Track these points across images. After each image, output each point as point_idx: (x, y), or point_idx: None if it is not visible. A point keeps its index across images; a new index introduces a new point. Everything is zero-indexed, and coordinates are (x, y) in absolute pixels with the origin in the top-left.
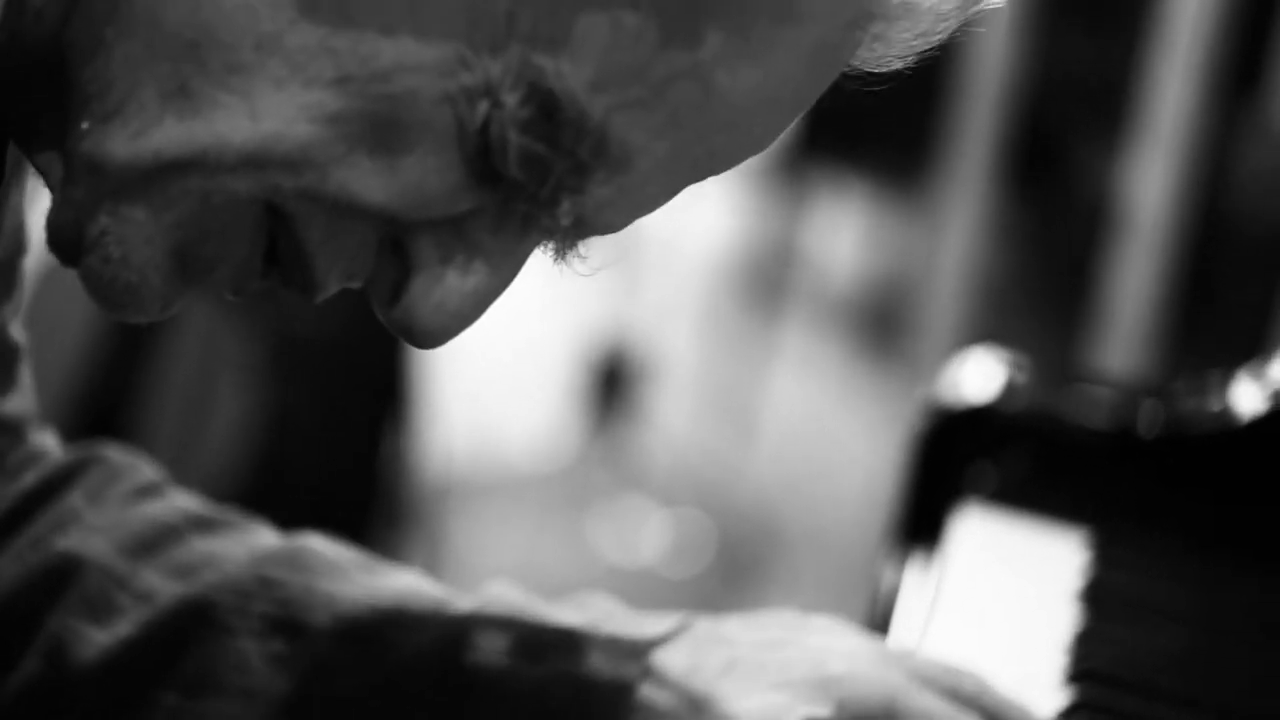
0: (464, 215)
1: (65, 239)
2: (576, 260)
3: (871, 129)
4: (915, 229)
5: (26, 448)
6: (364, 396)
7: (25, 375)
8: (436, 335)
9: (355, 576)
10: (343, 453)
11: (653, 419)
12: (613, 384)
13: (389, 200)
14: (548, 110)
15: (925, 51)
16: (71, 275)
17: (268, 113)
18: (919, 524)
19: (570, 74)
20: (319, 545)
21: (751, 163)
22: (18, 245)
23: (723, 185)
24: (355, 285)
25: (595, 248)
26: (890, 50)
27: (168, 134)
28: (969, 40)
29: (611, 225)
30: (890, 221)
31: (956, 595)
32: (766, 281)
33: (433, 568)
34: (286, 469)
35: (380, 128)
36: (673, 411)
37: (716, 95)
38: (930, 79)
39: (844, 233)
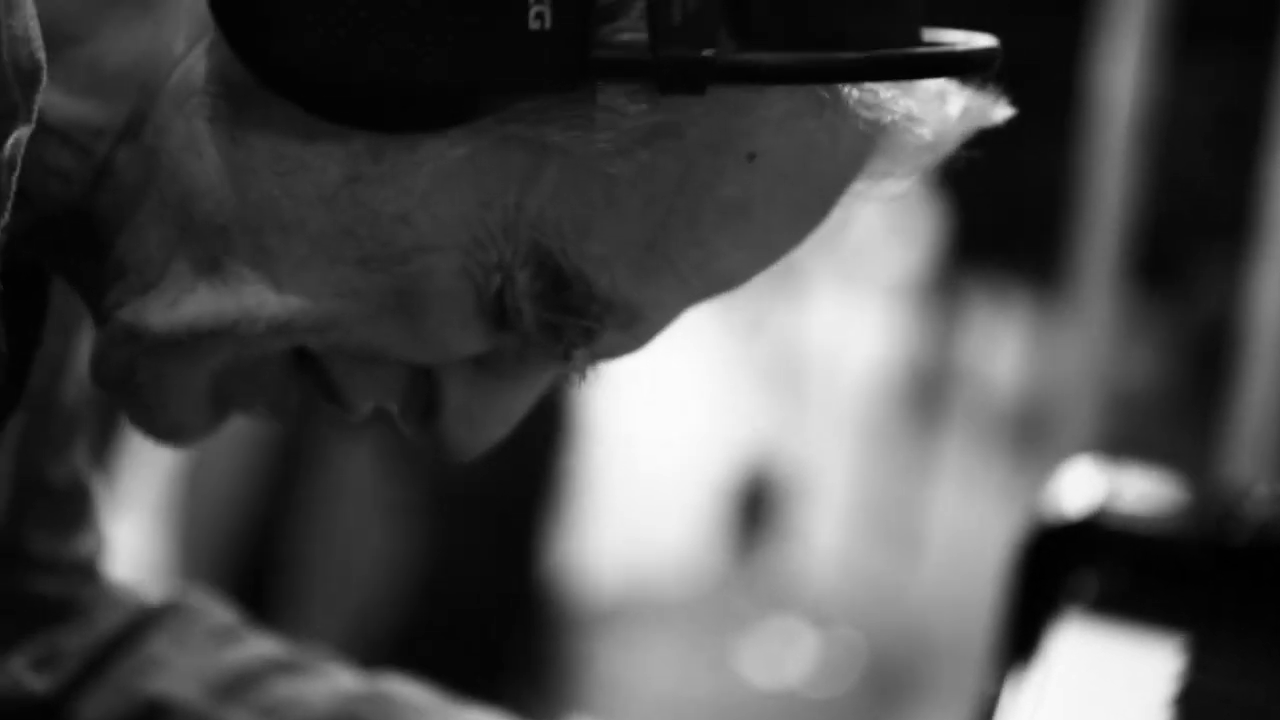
0: (487, 355)
1: (109, 385)
2: (594, 374)
3: (1016, 243)
4: (1053, 339)
5: (99, 588)
6: (514, 523)
7: (98, 517)
8: (469, 452)
9: (437, 718)
10: (493, 578)
11: (802, 538)
12: (760, 504)
13: (412, 353)
14: (558, 283)
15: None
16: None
17: (294, 289)
18: (1020, 636)
19: (576, 253)
20: (400, 688)
21: (902, 279)
22: (85, 389)
23: (873, 301)
24: (390, 408)
25: (747, 369)
26: (889, 182)
27: (201, 305)
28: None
29: (627, 356)
30: (1039, 333)
31: (1056, 706)
32: (924, 395)
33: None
34: (439, 595)
35: (401, 297)
36: (824, 530)
37: (717, 256)
38: (1059, 194)
39: (1001, 344)
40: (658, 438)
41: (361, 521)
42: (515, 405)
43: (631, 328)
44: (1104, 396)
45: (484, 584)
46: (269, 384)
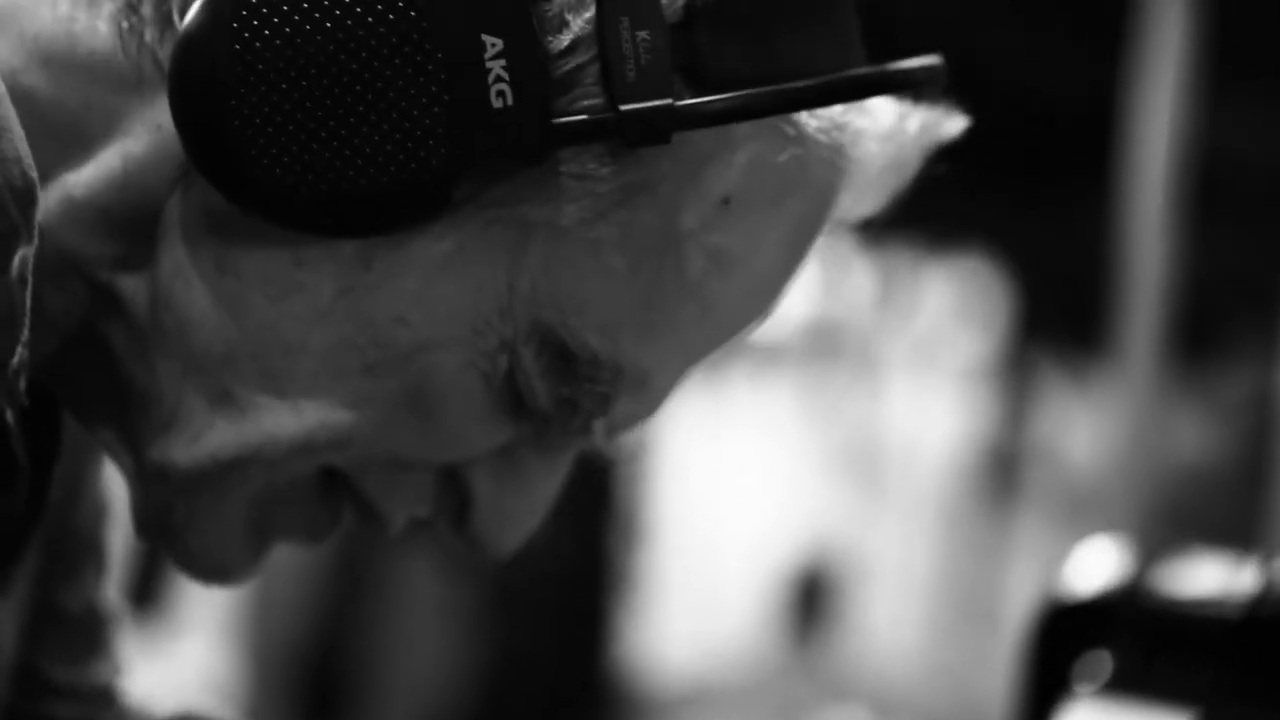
0: (509, 442)
1: (150, 529)
2: (613, 444)
3: (1085, 318)
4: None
5: (118, 712)
6: (578, 617)
7: (115, 643)
8: (506, 548)
9: None
10: (558, 672)
11: (864, 625)
12: (820, 592)
13: (434, 454)
14: (563, 355)
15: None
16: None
17: (308, 407)
18: (1033, 717)
19: (576, 322)
20: None
21: (974, 362)
22: (98, 514)
23: (945, 385)
24: (422, 515)
25: (818, 455)
26: (860, 208)
27: (222, 437)
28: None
29: (643, 421)
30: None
31: None
32: (998, 476)
33: None
34: (505, 693)
35: (413, 399)
36: (890, 616)
37: (714, 305)
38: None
39: (1075, 421)
40: (725, 526)
41: (427, 625)
42: (544, 493)
43: (643, 391)
44: (1151, 469)
45: (549, 678)
46: (302, 508)
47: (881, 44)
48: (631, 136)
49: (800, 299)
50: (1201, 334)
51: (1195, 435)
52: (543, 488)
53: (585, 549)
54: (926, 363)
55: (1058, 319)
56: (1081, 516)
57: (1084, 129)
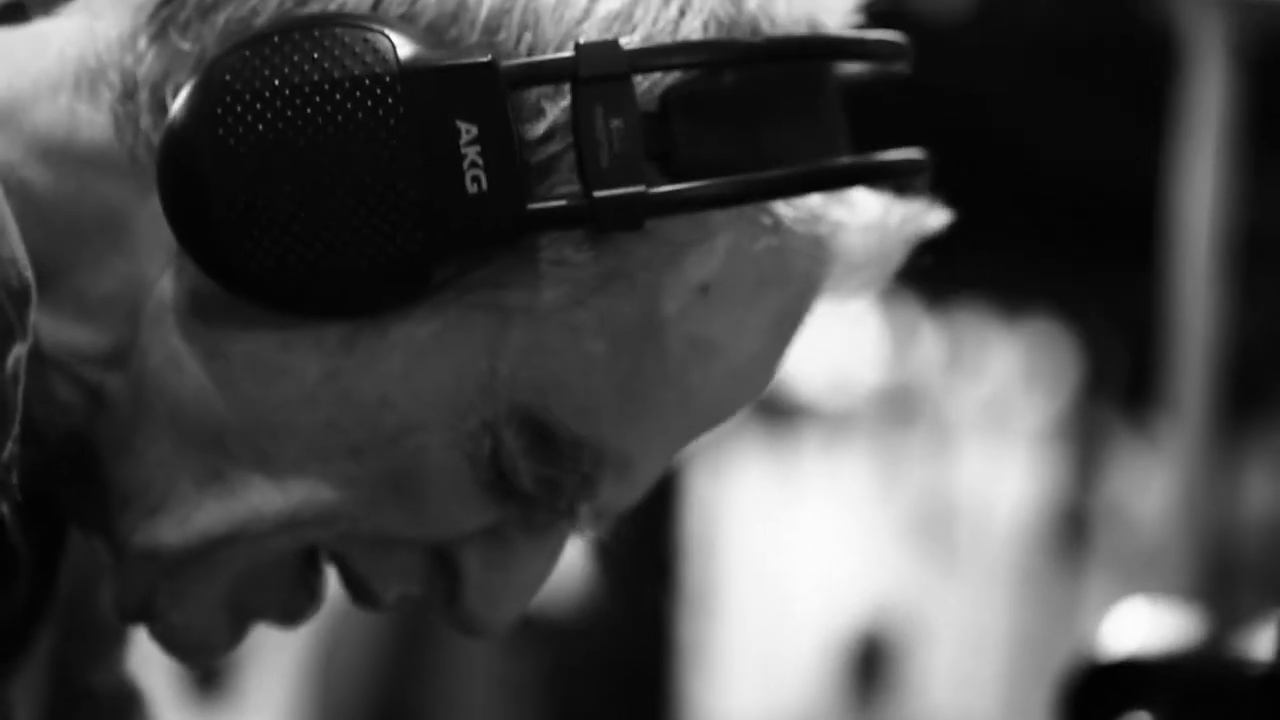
0: (495, 523)
1: (132, 612)
2: (603, 529)
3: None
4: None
5: None
6: (637, 688)
7: (147, 718)
8: (495, 628)
9: None
10: None
11: (931, 688)
12: (880, 658)
13: (420, 532)
14: (544, 438)
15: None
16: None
17: (295, 487)
18: None
19: (557, 406)
20: None
21: (1038, 424)
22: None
23: (1015, 447)
24: (413, 593)
25: (886, 520)
26: (848, 290)
27: (210, 515)
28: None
29: (630, 503)
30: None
31: None
32: (1069, 537)
33: None
34: None
35: (398, 480)
36: (955, 679)
37: (694, 392)
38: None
39: (1147, 480)
40: (792, 592)
41: (488, 700)
42: (533, 575)
43: (626, 475)
44: (1208, 527)
45: None
46: (282, 588)
47: (929, 122)
48: (605, 222)
49: (870, 365)
50: (1258, 393)
51: (1261, 492)
52: (532, 568)
53: (645, 618)
54: (996, 426)
55: (1123, 380)
56: (1151, 575)
57: (1136, 194)
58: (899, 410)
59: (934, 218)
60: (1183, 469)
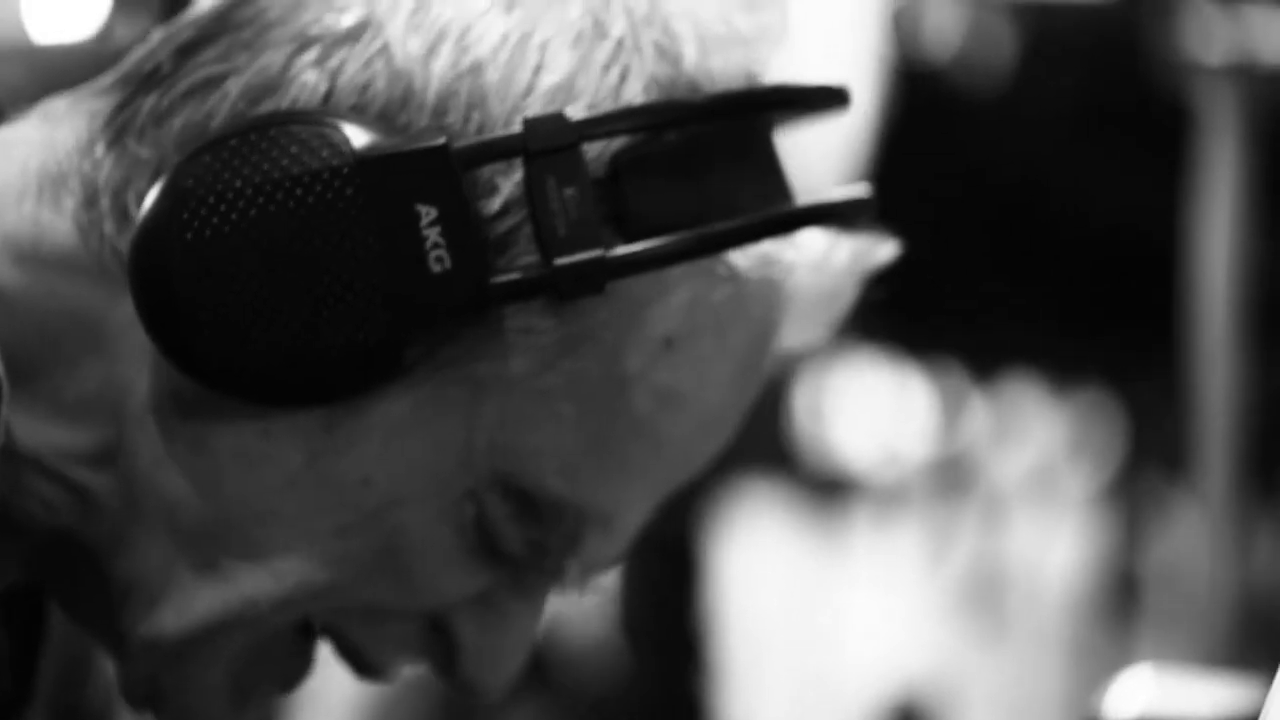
0: (486, 588)
1: (138, 700)
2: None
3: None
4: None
5: None
6: None
7: None
8: (493, 690)
9: None
10: None
11: None
12: None
13: (413, 603)
14: (526, 500)
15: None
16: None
17: (287, 569)
18: None
19: (535, 470)
20: None
21: (1085, 491)
22: (110, 691)
23: (1059, 516)
24: (411, 663)
25: (932, 587)
26: (805, 336)
27: (207, 604)
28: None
29: (615, 557)
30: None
31: None
32: (1118, 604)
33: None
34: None
35: (386, 555)
36: None
37: (666, 442)
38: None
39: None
40: (836, 661)
41: None
42: (526, 634)
43: (609, 530)
44: (1240, 591)
45: None
46: (279, 660)
47: (970, 196)
48: (566, 289)
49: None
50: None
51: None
52: (526, 627)
53: (679, 693)
54: (1044, 494)
55: (1168, 443)
56: (1198, 640)
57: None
58: (948, 481)
59: (882, 252)
60: (1211, 531)
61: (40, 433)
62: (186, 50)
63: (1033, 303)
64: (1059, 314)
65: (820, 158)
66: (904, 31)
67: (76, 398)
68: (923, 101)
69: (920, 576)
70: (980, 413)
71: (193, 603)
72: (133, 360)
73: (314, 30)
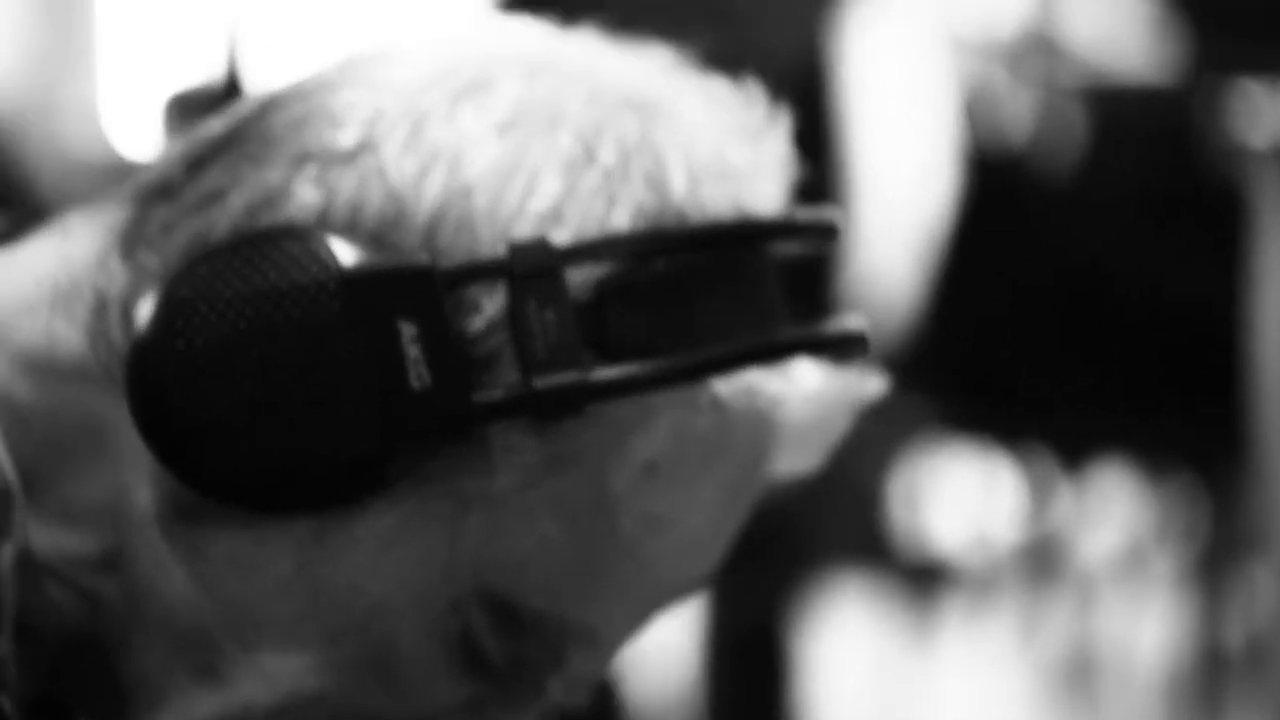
0: (474, 699)
1: None
2: (582, 694)
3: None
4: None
5: None
6: None
7: None
8: None
9: None
10: None
11: None
12: None
13: (403, 710)
14: (509, 615)
15: None
16: None
17: (280, 676)
18: None
19: (519, 586)
20: None
21: (1173, 570)
22: None
23: (1148, 597)
24: None
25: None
26: (794, 464)
27: (207, 708)
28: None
29: (600, 673)
30: None
31: None
32: (1208, 682)
33: None
34: None
35: (376, 662)
36: None
37: (650, 564)
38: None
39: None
40: None
41: None
42: None
43: (593, 646)
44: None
45: None
46: None
47: (1033, 269)
48: (547, 410)
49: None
50: None
51: None
52: None
53: None
54: (1132, 576)
55: (1250, 522)
56: None
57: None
58: (1038, 566)
59: (872, 385)
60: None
61: (52, 540)
62: (196, 164)
63: (1111, 387)
64: (1138, 397)
65: (898, 246)
66: (978, 119)
67: (84, 504)
68: (997, 188)
69: (1012, 661)
70: (1067, 497)
71: (193, 708)
72: (134, 466)
73: (314, 148)
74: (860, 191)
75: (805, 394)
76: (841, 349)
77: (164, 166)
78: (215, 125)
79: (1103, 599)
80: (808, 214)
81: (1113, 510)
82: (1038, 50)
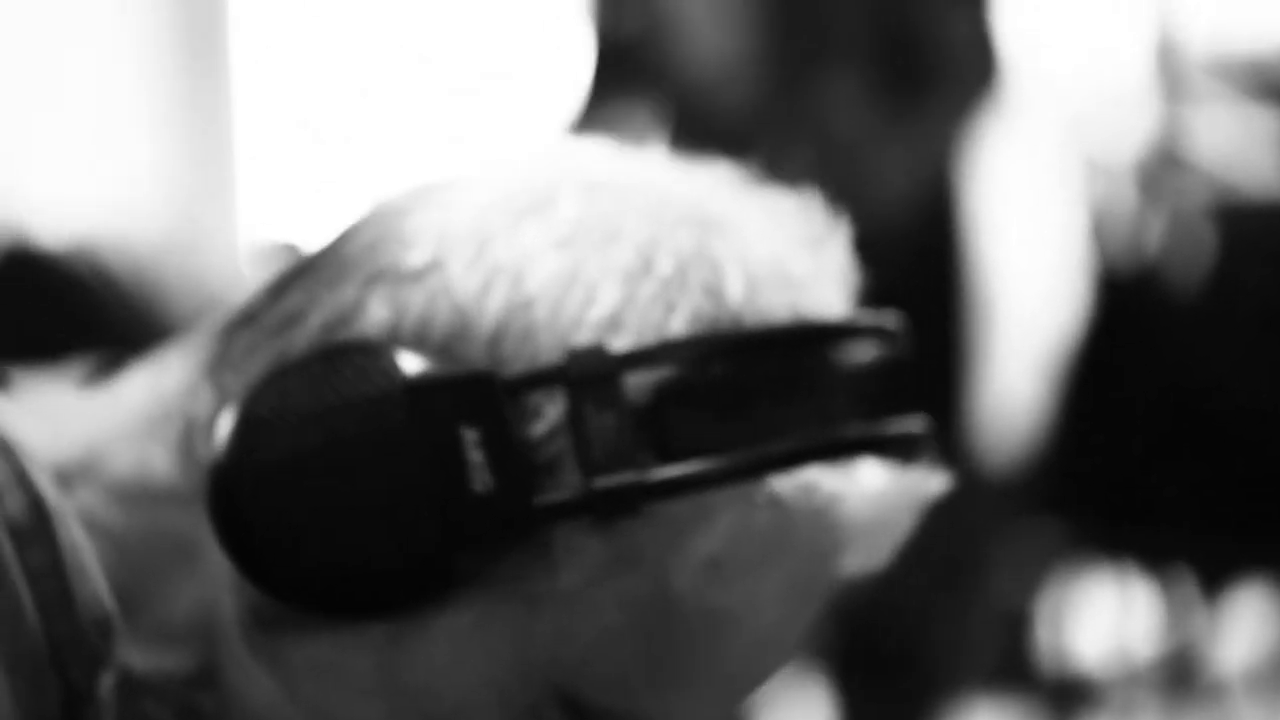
0: None
1: None
2: None
3: None
4: None
5: None
6: None
7: None
8: None
9: None
10: None
11: None
12: None
13: None
14: (584, 714)
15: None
16: None
17: None
18: None
19: (592, 684)
20: None
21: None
22: None
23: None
24: None
25: None
26: (862, 562)
27: None
28: None
29: None
30: None
31: None
32: None
33: None
34: None
35: None
36: None
37: (720, 660)
38: None
39: None
40: None
41: None
42: None
43: None
44: None
45: None
46: None
47: (1162, 388)
48: (606, 511)
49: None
50: None
51: None
52: None
53: None
54: (1267, 689)
55: None
56: None
57: None
58: (1176, 680)
59: (933, 484)
60: None
61: (149, 658)
62: (277, 291)
63: (1244, 506)
64: (1272, 517)
65: (1028, 365)
66: (1107, 237)
67: (178, 622)
68: (1127, 305)
69: None
70: (1204, 615)
71: None
72: (220, 579)
73: (386, 268)
74: (991, 311)
75: (867, 492)
76: (900, 449)
77: (250, 297)
78: (293, 260)
79: (1239, 713)
80: (867, 318)
81: (1249, 627)
82: (1166, 168)
